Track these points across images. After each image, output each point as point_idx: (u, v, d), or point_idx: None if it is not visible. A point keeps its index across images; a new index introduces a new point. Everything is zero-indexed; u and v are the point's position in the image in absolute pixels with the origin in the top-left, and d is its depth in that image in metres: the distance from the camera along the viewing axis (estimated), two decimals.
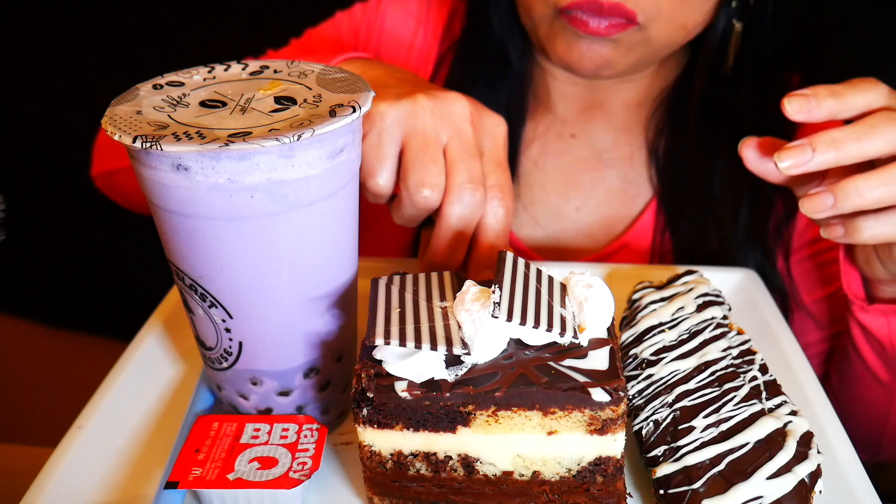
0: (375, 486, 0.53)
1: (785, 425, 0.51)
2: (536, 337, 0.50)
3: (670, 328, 0.61)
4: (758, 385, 0.55)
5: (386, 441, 0.51)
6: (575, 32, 0.82)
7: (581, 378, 0.48)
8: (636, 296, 0.67)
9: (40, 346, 1.63)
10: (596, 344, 0.50)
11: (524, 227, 0.97)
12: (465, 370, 0.49)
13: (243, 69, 0.58)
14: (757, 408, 0.53)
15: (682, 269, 0.71)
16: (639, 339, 0.61)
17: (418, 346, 0.48)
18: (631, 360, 0.60)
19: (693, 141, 0.92)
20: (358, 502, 0.56)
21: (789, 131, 0.86)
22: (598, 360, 0.49)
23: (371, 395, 0.49)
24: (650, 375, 0.57)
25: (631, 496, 0.54)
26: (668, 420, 0.54)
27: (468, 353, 0.49)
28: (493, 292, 0.49)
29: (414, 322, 0.50)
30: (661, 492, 0.51)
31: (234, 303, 0.54)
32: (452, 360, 0.49)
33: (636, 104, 0.97)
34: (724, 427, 0.52)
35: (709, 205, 0.90)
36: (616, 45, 0.83)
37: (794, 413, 0.53)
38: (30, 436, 1.12)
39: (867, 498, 0.53)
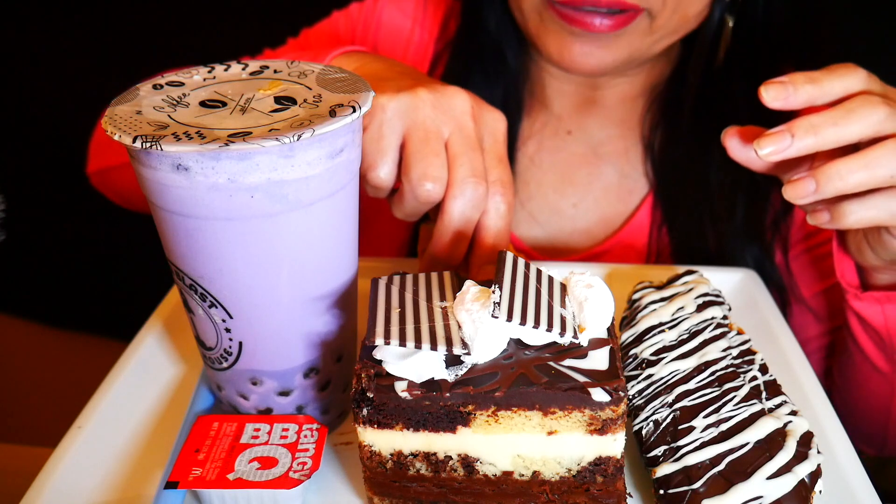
0: (375, 486, 0.53)
1: (785, 425, 0.51)
2: (536, 337, 0.50)
3: (670, 328, 0.61)
4: (758, 385, 0.55)
5: (386, 441, 0.51)
6: (570, 31, 0.82)
7: (581, 378, 0.48)
8: (636, 296, 0.67)
9: (40, 346, 1.63)
10: (596, 344, 0.50)
11: (521, 224, 0.97)
12: (465, 370, 0.49)
13: (243, 69, 0.58)
14: (757, 408, 0.53)
15: (682, 269, 0.71)
16: (639, 339, 0.61)
17: (418, 346, 0.48)
18: (631, 360, 0.60)
19: (688, 135, 0.92)
20: (358, 502, 0.56)
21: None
22: (598, 360, 0.49)
23: (371, 395, 0.49)
24: (650, 375, 0.57)
25: (631, 496, 0.54)
26: (668, 420, 0.54)
27: (468, 353, 0.49)
28: (493, 292, 0.49)
29: (414, 322, 0.50)
30: (661, 492, 0.51)
31: (234, 303, 0.54)
32: (452, 360, 0.49)
33: (631, 99, 0.97)
34: (724, 427, 0.52)
35: (705, 199, 0.90)
36: (615, 40, 0.83)
37: (794, 413, 0.53)
38: (30, 436, 1.12)
39: (867, 498, 0.53)
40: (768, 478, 0.48)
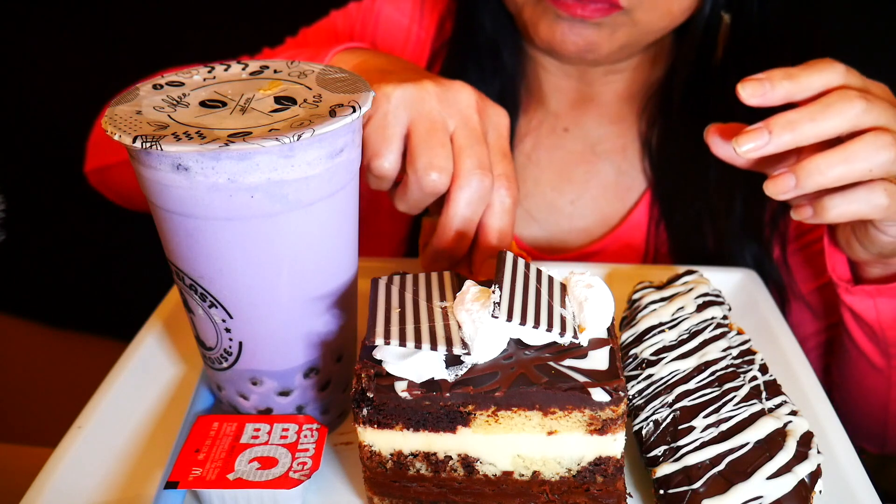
0: (375, 486, 0.53)
1: (785, 425, 0.51)
2: (536, 337, 0.50)
3: (670, 328, 0.61)
4: (758, 385, 0.55)
5: (386, 441, 0.51)
6: (557, 14, 0.82)
7: (581, 378, 0.48)
8: (636, 296, 0.67)
9: (40, 346, 1.63)
10: (596, 344, 0.50)
11: (519, 221, 0.97)
12: (465, 370, 0.49)
13: (243, 69, 0.58)
14: (757, 408, 0.53)
15: (682, 269, 0.71)
16: (639, 339, 0.61)
17: (418, 346, 0.48)
18: (631, 360, 0.60)
19: (685, 132, 0.92)
20: (358, 502, 0.56)
21: None
22: (598, 360, 0.49)
23: (371, 395, 0.49)
24: (650, 375, 0.57)
25: (631, 496, 0.54)
26: (668, 420, 0.54)
27: (468, 353, 0.49)
28: (493, 292, 0.49)
29: (414, 322, 0.50)
30: (661, 492, 0.51)
31: (234, 303, 0.54)
32: (452, 360, 0.49)
33: (628, 96, 0.97)
34: (724, 427, 0.52)
35: (703, 195, 0.90)
36: (599, 28, 0.83)
37: (794, 413, 0.53)
38: (30, 436, 1.12)
39: (867, 498, 0.53)
40: (768, 478, 0.48)
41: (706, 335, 0.60)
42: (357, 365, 0.50)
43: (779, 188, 0.61)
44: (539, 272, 0.54)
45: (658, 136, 0.94)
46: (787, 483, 0.48)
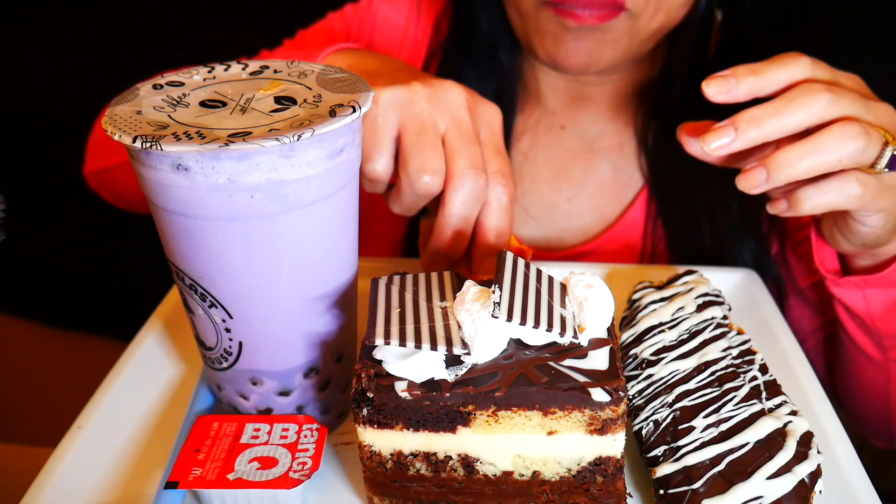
0: (375, 486, 0.53)
1: (785, 425, 0.51)
2: (536, 337, 0.50)
3: (670, 328, 0.61)
4: (758, 385, 0.55)
5: (386, 441, 0.51)
6: (562, 24, 0.82)
7: (581, 378, 0.48)
8: (636, 296, 0.67)
9: (40, 346, 1.63)
10: (596, 344, 0.50)
11: (516, 220, 0.97)
12: (465, 370, 0.49)
13: (243, 69, 0.58)
14: (757, 408, 0.53)
15: (682, 269, 0.71)
16: (639, 339, 0.61)
17: (418, 346, 0.48)
18: (631, 360, 0.60)
19: None
20: (358, 502, 0.56)
21: None
22: (598, 360, 0.49)
23: (371, 395, 0.49)
24: (650, 375, 0.57)
25: (631, 496, 0.54)
26: (668, 420, 0.54)
27: (468, 353, 0.49)
28: (493, 292, 0.49)
29: (414, 322, 0.50)
30: (661, 492, 0.51)
31: (234, 303, 0.54)
32: (452, 360, 0.49)
33: (624, 94, 0.98)
34: (724, 427, 0.52)
35: (700, 192, 0.91)
36: (603, 37, 0.83)
37: (794, 413, 0.53)
38: (30, 436, 1.12)
39: (867, 498, 0.53)
40: (768, 478, 0.48)
41: (706, 335, 0.60)
42: (357, 365, 0.50)
43: (750, 182, 0.62)
44: (539, 272, 0.54)
45: (654, 132, 0.95)
46: (787, 483, 0.48)
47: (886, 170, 0.61)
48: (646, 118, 0.96)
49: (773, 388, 0.55)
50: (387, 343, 0.48)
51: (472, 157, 0.64)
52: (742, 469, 0.49)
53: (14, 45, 1.53)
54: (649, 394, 0.56)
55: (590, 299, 0.52)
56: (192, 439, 0.55)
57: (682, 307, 0.63)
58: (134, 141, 0.46)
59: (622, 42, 0.85)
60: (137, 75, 0.62)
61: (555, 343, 0.50)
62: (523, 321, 0.48)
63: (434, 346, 0.48)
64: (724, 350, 0.58)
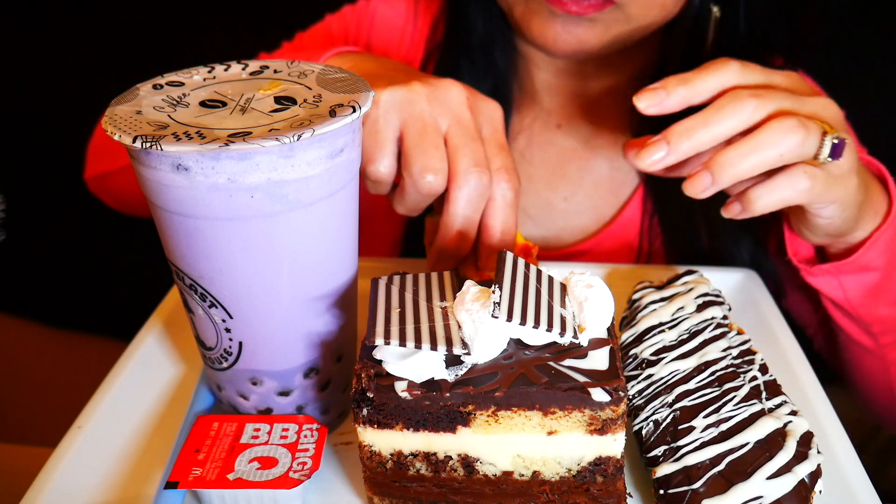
0: (375, 486, 0.53)
1: (785, 425, 0.51)
2: (536, 337, 0.50)
3: (670, 328, 0.61)
4: (758, 385, 0.55)
5: (386, 441, 0.51)
6: (551, 11, 0.82)
7: (581, 378, 0.48)
8: (636, 296, 0.67)
9: (40, 346, 1.63)
10: (596, 344, 0.50)
11: None
12: (465, 370, 0.49)
13: (243, 69, 0.58)
14: (757, 408, 0.53)
15: (682, 269, 0.71)
16: (639, 339, 0.61)
17: (418, 346, 0.48)
18: (631, 360, 0.60)
19: None
20: (358, 502, 0.56)
21: None
22: (598, 360, 0.49)
23: (371, 395, 0.49)
24: (650, 375, 0.57)
25: (631, 496, 0.54)
26: (668, 420, 0.54)
27: (468, 353, 0.49)
28: (493, 292, 0.49)
29: (414, 322, 0.50)
30: (661, 492, 0.51)
31: (234, 303, 0.54)
32: (452, 360, 0.49)
33: (619, 91, 0.98)
34: (724, 427, 0.52)
35: None
36: (592, 24, 0.83)
37: (794, 413, 0.53)
38: (30, 436, 1.12)
39: (867, 498, 0.53)
40: (768, 478, 0.48)
41: (706, 335, 0.60)
42: (357, 365, 0.50)
43: (696, 187, 0.62)
44: (539, 272, 0.54)
45: (650, 129, 0.95)
46: (787, 483, 0.48)
47: (830, 159, 0.61)
48: (641, 115, 0.96)
49: (773, 388, 0.55)
50: (387, 343, 0.48)
51: (475, 155, 0.64)
52: (742, 469, 0.49)
53: (14, 46, 1.53)
54: (649, 394, 0.56)
55: (590, 299, 0.52)
56: (192, 439, 0.55)
57: (682, 307, 0.63)
58: (134, 141, 0.46)
59: (613, 30, 0.84)
60: (137, 75, 0.62)
61: (555, 343, 0.50)
62: (523, 321, 0.48)
63: (434, 346, 0.48)
64: (724, 350, 0.58)
